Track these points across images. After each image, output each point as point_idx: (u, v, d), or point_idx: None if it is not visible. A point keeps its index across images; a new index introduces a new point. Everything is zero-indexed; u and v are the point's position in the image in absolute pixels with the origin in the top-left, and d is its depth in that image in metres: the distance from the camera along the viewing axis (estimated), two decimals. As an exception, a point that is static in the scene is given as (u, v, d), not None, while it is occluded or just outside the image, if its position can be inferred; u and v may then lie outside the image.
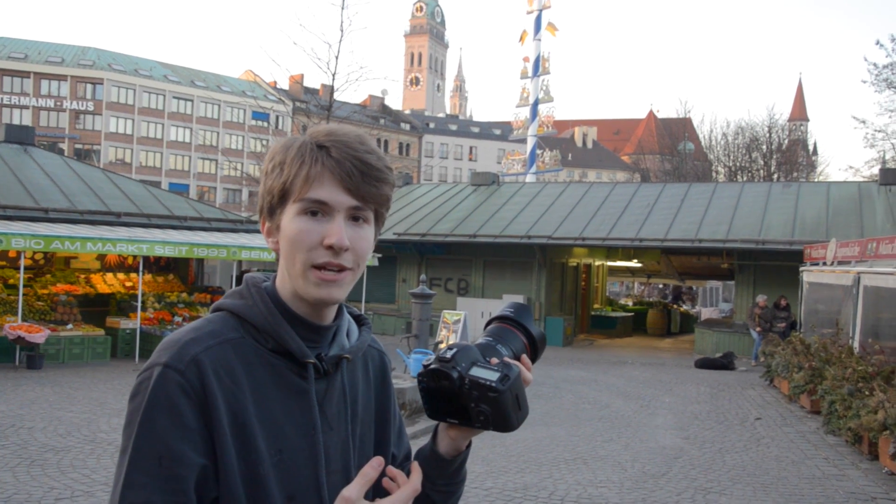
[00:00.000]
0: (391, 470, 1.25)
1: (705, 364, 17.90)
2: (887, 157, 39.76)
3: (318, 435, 1.26)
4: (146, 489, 1.11)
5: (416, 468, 1.27)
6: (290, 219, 1.24)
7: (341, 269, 1.23)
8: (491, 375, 1.22)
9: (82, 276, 17.37)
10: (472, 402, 1.22)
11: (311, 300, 1.25)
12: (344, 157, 1.23)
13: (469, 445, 1.35)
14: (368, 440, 1.39)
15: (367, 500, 1.16)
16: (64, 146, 61.15)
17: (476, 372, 1.23)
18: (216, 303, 1.32)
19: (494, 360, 1.26)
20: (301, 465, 1.24)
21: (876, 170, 33.09)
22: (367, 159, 1.24)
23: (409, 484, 1.23)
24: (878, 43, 64.94)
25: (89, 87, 65.18)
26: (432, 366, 1.25)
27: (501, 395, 1.21)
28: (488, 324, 1.37)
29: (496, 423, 1.23)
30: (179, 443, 1.13)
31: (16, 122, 57.04)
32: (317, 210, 1.22)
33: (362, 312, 1.46)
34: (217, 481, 1.16)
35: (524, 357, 1.33)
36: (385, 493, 1.24)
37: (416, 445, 1.45)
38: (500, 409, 1.21)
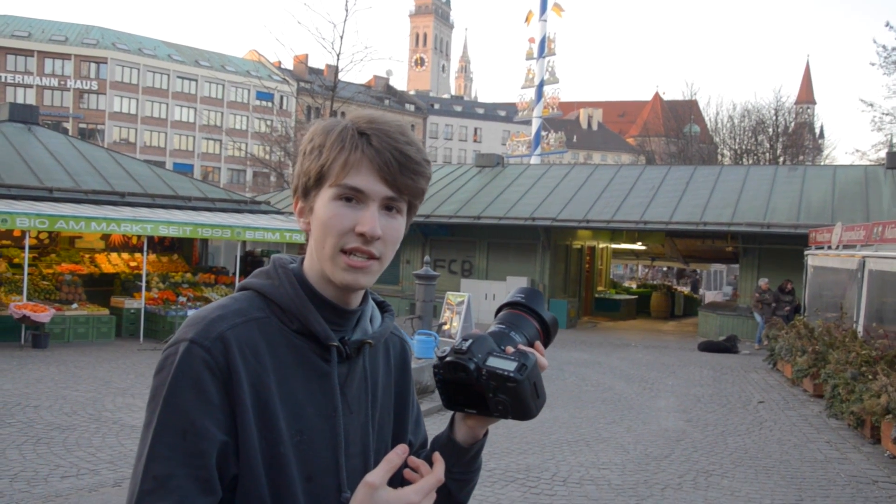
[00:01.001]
0: (413, 460, 1.25)
1: (708, 347, 17.91)
2: (895, 140, 39.55)
3: (338, 417, 1.27)
4: (170, 462, 1.13)
5: (438, 458, 1.26)
6: (324, 202, 1.25)
7: (370, 256, 1.24)
8: (508, 365, 1.22)
9: (87, 255, 17.41)
10: (490, 392, 1.22)
11: (338, 283, 1.26)
12: (384, 146, 1.23)
13: (486, 434, 1.35)
14: (387, 426, 1.40)
15: (389, 486, 1.16)
16: (68, 125, 61.00)
17: (493, 362, 1.22)
18: (242, 282, 1.34)
19: (509, 349, 1.26)
20: (321, 447, 1.25)
21: (883, 153, 32.92)
22: (407, 151, 1.25)
23: (433, 474, 1.22)
24: (887, 24, 63.99)
25: (93, 66, 65.01)
26: (448, 358, 1.24)
27: (520, 385, 1.20)
28: (499, 310, 1.37)
29: (515, 412, 1.23)
30: (203, 418, 1.15)
31: (20, 100, 56.98)
32: (352, 196, 1.23)
33: (384, 300, 1.47)
34: (238, 459, 1.18)
35: (538, 343, 1.33)
36: (407, 482, 1.24)
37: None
38: (519, 399, 1.21)
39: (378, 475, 1.14)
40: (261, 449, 1.19)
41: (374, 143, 1.23)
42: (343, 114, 1.49)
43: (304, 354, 1.26)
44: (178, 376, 1.16)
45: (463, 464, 1.34)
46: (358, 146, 1.23)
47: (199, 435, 1.14)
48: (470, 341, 1.25)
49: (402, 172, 1.24)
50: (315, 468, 1.24)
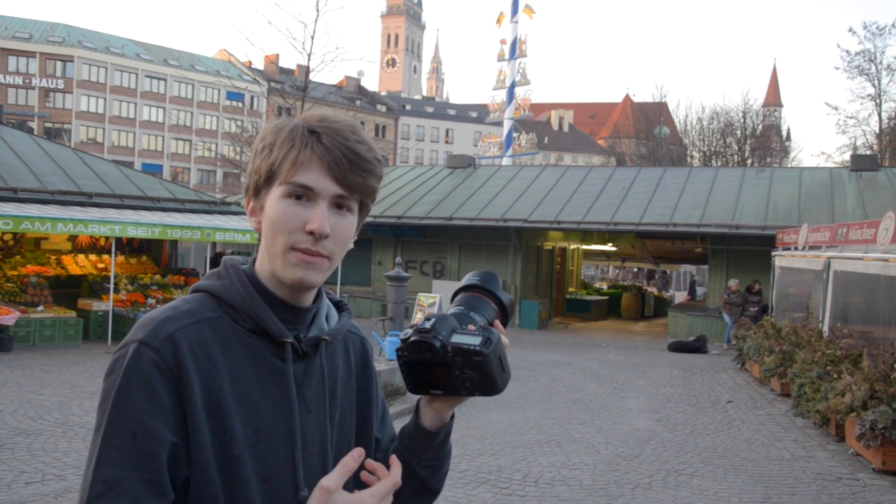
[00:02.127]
0: (370, 463, 1.24)
1: (678, 347, 18.09)
2: (858, 143, 40.30)
3: (294, 416, 1.26)
4: (119, 465, 1.11)
5: (395, 462, 1.25)
6: (274, 200, 1.24)
7: (319, 255, 1.23)
8: (473, 340, 1.22)
9: (53, 257, 17.13)
10: (456, 369, 1.22)
11: (288, 282, 1.25)
12: (334, 144, 1.23)
13: (452, 417, 1.35)
14: (350, 425, 1.39)
15: (346, 490, 1.15)
16: (33, 125, 60.12)
17: (457, 339, 1.22)
18: (194, 284, 1.33)
19: (471, 327, 1.26)
20: (278, 447, 1.24)
21: (847, 156, 33.53)
22: (357, 149, 1.25)
23: (389, 477, 1.21)
24: (850, 30, 65.71)
25: (59, 64, 63.96)
26: (412, 338, 1.24)
27: (486, 359, 1.21)
28: (455, 294, 1.37)
29: (482, 387, 1.22)
30: (153, 419, 1.13)
31: (-17, 99, 55.88)
32: (301, 194, 1.23)
33: (340, 297, 1.46)
34: (189, 460, 1.16)
35: (497, 323, 1.33)
36: (364, 486, 1.23)
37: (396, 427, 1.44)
38: (486, 373, 1.21)
39: (333, 479, 1.12)
40: (214, 450, 1.17)
41: (325, 141, 1.23)
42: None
43: (259, 353, 1.25)
44: (127, 377, 1.15)
45: (433, 449, 1.33)
46: (308, 144, 1.23)
47: (149, 436, 1.13)
48: (433, 320, 1.25)
49: (352, 170, 1.24)
50: (272, 468, 1.23)
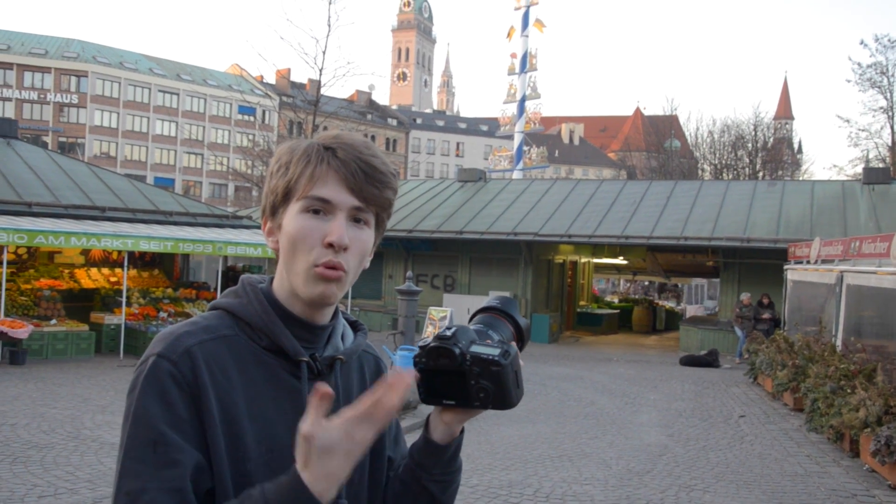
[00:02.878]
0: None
1: (690, 361, 18.00)
2: (871, 155, 40.13)
3: None
4: (141, 476, 1.12)
5: (379, 384, 1.09)
6: (292, 216, 1.25)
7: (337, 266, 1.24)
8: (492, 351, 1.22)
9: (66, 270, 17.24)
10: (472, 378, 1.22)
11: (307, 298, 1.26)
12: (349, 157, 1.25)
13: (463, 431, 1.34)
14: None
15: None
16: (48, 139, 60.71)
17: (476, 349, 1.23)
18: (213, 301, 1.34)
19: (489, 341, 1.27)
20: (291, 465, 1.24)
21: (859, 168, 33.39)
22: (372, 162, 1.26)
23: (369, 394, 1.07)
24: (862, 43, 65.28)
25: (73, 79, 64.64)
26: (432, 344, 1.24)
27: (504, 370, 1.21)
28: (474, 315, 1.37)
29: (496, 399, 1.22)
30: (172, 430, 1.14)
31: (-1, 114, 56.46)
32: (319, 208, 1.24)
33: (349, 313, 1.47)
34: (212, 473, 1.17)
35: (513, 344, 1.34)
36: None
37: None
38: (502, 384, 1.21)
39: (309, 423, 1.03)
40: (229, 465, 1.18)
41: (340, 155, 1.24)
42: (325, 128, 1.49)
43: (274, 371, 1.26)
44: (145, 389, 1.16)
45: (443, 463, 1.32)
46: (324, 159, 1.24)
47: (170, 445, 1.13)
48: (454, 329, 1.25)
49: (368, 182, 1.25)
50: None
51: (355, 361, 1.41)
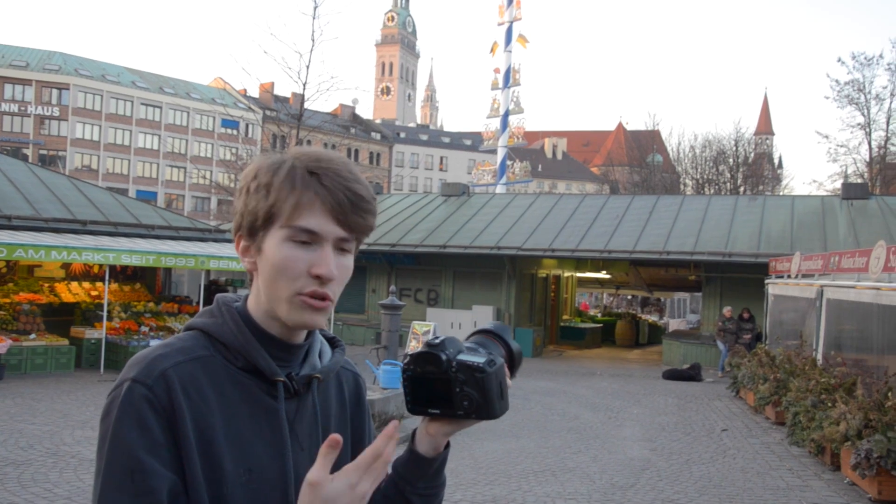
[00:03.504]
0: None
1: (673, 375, 18.07)
2: (849, 171, 40.65)
3: (287, 454, 1.25)
4: None
5: (381, 435, 1.18)
6: (276, 244, 1.23)
7: (325, 297, 1.24)
8: (478, 359, 1.23)
9: (46, 284, 17.08)
10: (457, 385, 1.23)
11: (291, 324, 1.25)
12: (336, 186, 1.22)
13: (448, 446, 1.34)
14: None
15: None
16: (28, 152, 60.19)
17: (463, 356, 1.24)
18: (188, 322, 1.33)
19: (478, 353, 1.28)
20: (271, 486, 1.23)
21: (839, 184, 33.78)
22: (358, 190, 1.24)
23: (371, 448, 1.14)
24: (839, 60, 66.48)
25: (55, 92, 64.21)
26: (420, 350, 1.25)
27: (488, 377, 1.22)
28: (469, 336, 1.38)
29: (480, 408, 1.23)
30: (149, 456, 1.13)
31: (-21, 126, 55.98)
32: (306, 239, 1.22)
33: (333, 326, 1.46)
34: (188, 496, 1.16)
35: (500, 358, 1.34)
36: None
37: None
38: (486, 393, 1.22)
39: (317, 471, 1.09)
40: (207, 488, 1.17)
41: (326, 183, 1.22)
42: (309, 142, 1.48)
43: (251, 392, 1.25)
44: (121, 416, 1.15)
45: (427, 477, 1.31)
46: (309, 186, 1.21)
47: (146, 473, 1.12)
48: (443, 337, 1.26)
49: (354, 212, 1.23)
50: None
51: (333, 378, 1.40)
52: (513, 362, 1.35)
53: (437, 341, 1.26)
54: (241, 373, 1.25)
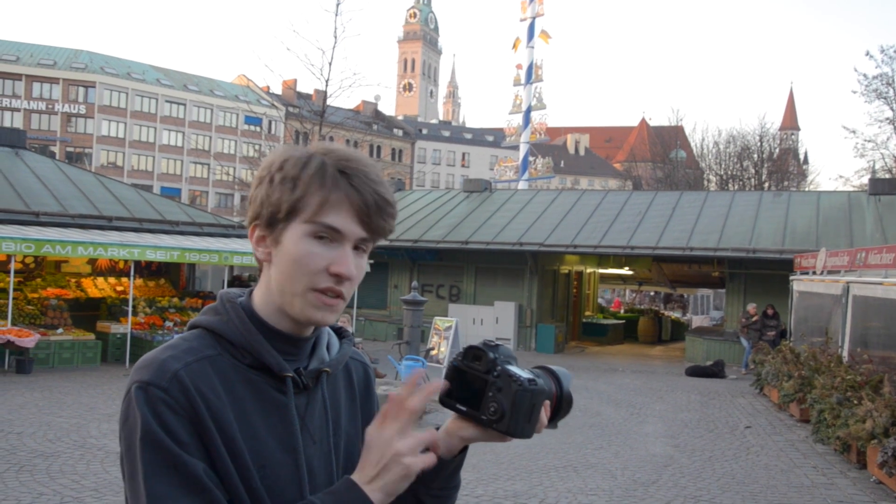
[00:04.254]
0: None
1: (696, 372, 17.95)
2: (877, 166, 40.06)
3: (299, 448, 1.26)
4: (172, 497, 1.12)
5: (403, 384, 1.25)
6: (296, 238, 1.22)
7: (338, 295, 1.24)
8: (523, 374, 1.23)
9: (73, 280, 17.31)
10: (491, 390, 1.22)
11: (303, 320, 1.25)
12: (364, 188, 1.23)
13: (465, 450, 1.32)
14: (357, 451, 1.36)
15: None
16: (55, 149, 60.90)
17: (511, 367, 1.23)
18: (192, 320, 1.32)
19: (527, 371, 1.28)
20: (285, 480, 1.24)
21: (866, 179, 33.32)
22: (384, 193, 1.25)
23: (393, 396, 1.21)
24: (867, 54, 65.36)
25: (81, 90, 65.01)
26: (475, 344, 1.26)
27: (523, 393, 1.20)
28: (532, 368, 1.37)
29: (503, 420, 1.21)
30: (183, 453, 1.14)
31: (7, 124, 56.89)
32: (327, 235, 1.22)
33: (354, 322, 1.47)
34: (225, 488, 1.17)
35: (546, 403, 1.30)
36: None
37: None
38: (516, 407, 1.21)
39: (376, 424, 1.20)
40: (240, 482, 1.18)
41: (355, 184, 1.22)
42: (331, 138, 1.49)
43: (261, 388, 1.25)
44: (145, 420, 1.14)
45: (442, 478, 1.30)
46: (339, 185, 1.21)
47: (188, 464, 1.13)
48: (501, 343, 1.27)
49: (378, 214, 1.24)
50: (281, 501, 1.22)
51: (342, 370, 1.40)
52: (559, 406, 1.32)
53: (494, 343, 1.26)
54: (249, 370, 1.25)
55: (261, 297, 1.29)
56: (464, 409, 1.25)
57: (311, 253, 1.21)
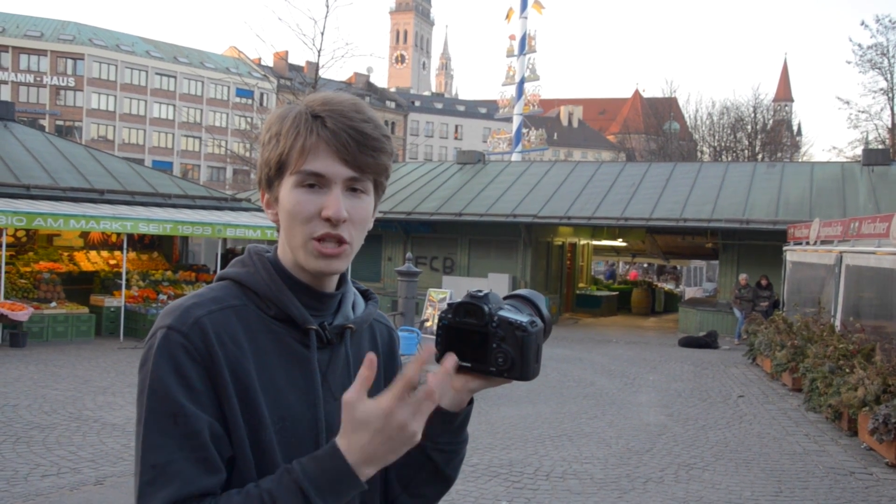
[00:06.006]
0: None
1: (689, 343, 18.06)
2: (870, 137, 40.10)
3: (319, 403, 1.25)
4: (166, 448, 1.12)
5: (410, 361, 1.16)
6: (287, 191, 1.23)
7: (340, 241, 1.23)
8: (521, 318, 1.21)
9: (65, 253, 17.24)
10: (494, 341, 1.20)
11: (311, 271, 1.25)
12: (339, 127, 1.21)
13: (472, 402, 1.30)
14: None
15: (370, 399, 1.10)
16: (45, 122, 60.44)
17: (505, 313, 1.21)
18: (220, 272, 1.32)
19: (518, 312, 1.26)
20: (303, 434, 1.24)
21: (859, 150, 33.36)
22: (364, 128, 1.23)
23: (402, 376, 1.10)
24: (862, 24, 64.97)
25: (70, 62, 64.31)
26: (461, 300, 1.23)
27: (528, 337, 1.20)
28: (503, 298, 1.35)
29: (514, 367, 1.20)
30: (189, 402, 1.14)
31: (-5, 97, 56.25)
32: (314, 182, 1.21)
33: (368, 288, 1.44)
34: (231, 441, 1.17)
35: (542, 330, 1.30)
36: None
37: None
38: (523, 353, 1.20)
39: (353, 391, 1.08)
40: (247, 434, 1.18)
41: (329, 125, 1.21)
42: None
43: (284, 340, 1.25)
44: (158, 362, 1.15)
45: (449, 432, 1.29)
46: (313, 130, 1.21)
47: (190, 416, 1.13)
48: (486, 291, 1.24)
49: (362, 151, 1.22)
50: (298, 454, 1.20)
51: (367, 331, 1.40)
52: (545, 329, 1.32)
53: (482, 294, 1.23)
54: (273, 321, 1.25)
55: (282, 253, 1.30)
56: (468, 364, 1.23)
57: (300, 202, 1.22)
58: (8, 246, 14.56)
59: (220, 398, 1.17)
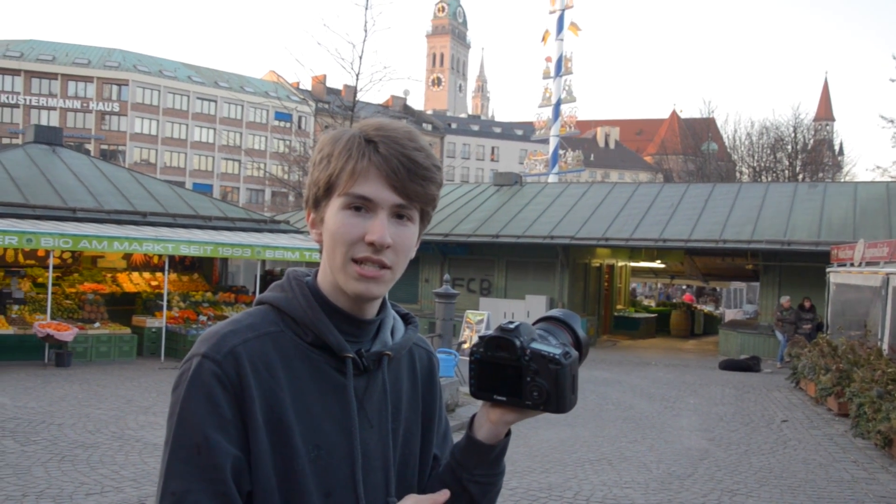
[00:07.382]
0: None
1: (730, 366, 17.75)
2: (915, 157, 39.19)
3: (355, 431, 1.24)
4: (185, 477, 1.13)
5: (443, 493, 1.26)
6: (333, 212, 1.24)
7: (382, 265, 1.23)
8: (554, 350, 1.20)
9: (109, 275, 17.58)
10: (528, 375, 1.19)
11: (350, 294, 1.25)
12: (391, 153, 1.21)
13: (509, 434, 1.30)
14: (415, 440, 1.37)
15: None
16: (90, 147, 61.95)
17: (537, 346, 1.20)
18: (259, 296, 1.33)
19: (550, 342, 1.24)
20: (339, 462, 1.23)
21: (904, 170, 32.63)
22: (415, 157, 1.23)
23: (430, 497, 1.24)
24: (906, 41, 63.99)
25: (115, 88, 65.99)
26: (492, 334, 1.22)
27: (562, 370, 1.18)
28: (535, 322, 1.34)
29: (550, 401, 1.19)
30: (216, 432, 1.14)
31: (44, 123, 57.77)
32: (360, 205, 1.22)
33: (408, 312, 1.44)
34: (251, 475, 1.17)
35: (573, 349, 1.30)
36: None
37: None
38: (559, 385, 1.18)
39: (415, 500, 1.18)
40: (274, 465, 1.18)
41: (382, 150, 1.21)
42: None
43: (320, 367, 1.24)
44: (190, 391, 1.16)
45: (486, 464, 1.29)
46: (365, 154, 1.21)
47: (213, 449, 1.14)
48: (517, 323, 1.22)
49: (411, 179, 1.22)
50: (333, 484, 1.22)
51: (406, 356, 1.38)
52: (580, 353, 1.31)
53: (512, 326, 1.21)
54: (310, 348, 1.25)
55: (322, 278, 1.30)
56: (503, 398, 1.22)
57: (345, 224, 1.22)
58: (54, 267, 14.90)
59: (248, 429, 1.17)
